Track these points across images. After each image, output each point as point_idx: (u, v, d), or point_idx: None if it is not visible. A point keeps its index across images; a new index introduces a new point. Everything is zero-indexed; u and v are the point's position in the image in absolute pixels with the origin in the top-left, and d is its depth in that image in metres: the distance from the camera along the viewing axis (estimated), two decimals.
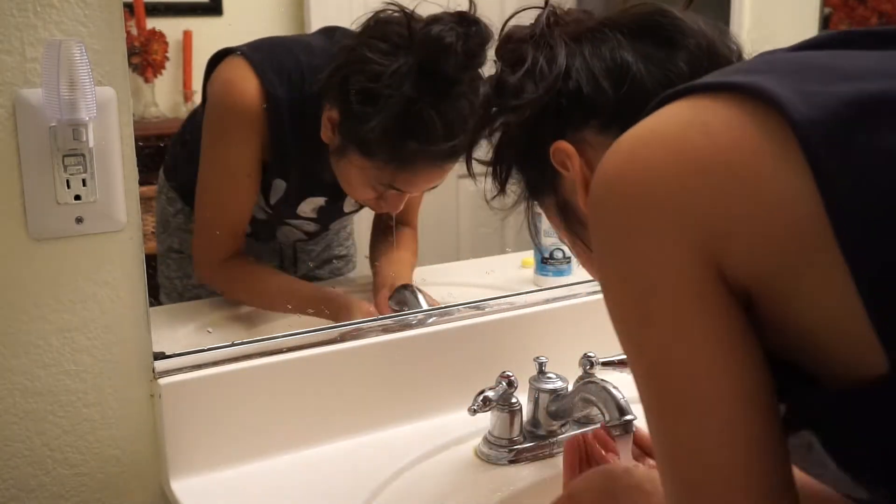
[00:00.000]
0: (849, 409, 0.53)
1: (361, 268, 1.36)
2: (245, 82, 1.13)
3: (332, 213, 1.29)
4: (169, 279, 1.24)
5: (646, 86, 0.70)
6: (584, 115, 0.72)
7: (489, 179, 0.80)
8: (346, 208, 1.29)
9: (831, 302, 0.51)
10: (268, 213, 1.24)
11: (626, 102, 0.69)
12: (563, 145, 0.72)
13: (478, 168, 0.81)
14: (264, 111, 1.14)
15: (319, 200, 1.26)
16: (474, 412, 0.98)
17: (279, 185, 1.21)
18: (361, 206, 1.27)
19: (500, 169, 0.79)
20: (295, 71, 1.16)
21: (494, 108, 0.77)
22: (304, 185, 1.23)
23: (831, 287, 0.50)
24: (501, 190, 0.80)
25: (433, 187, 1.21)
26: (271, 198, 1.22)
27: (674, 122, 0.57)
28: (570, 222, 0.77)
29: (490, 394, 0.99)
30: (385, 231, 1.32)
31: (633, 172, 0.56)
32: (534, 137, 0.75)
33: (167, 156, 1.25)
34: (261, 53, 1.14)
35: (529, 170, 0.78)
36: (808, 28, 1.56)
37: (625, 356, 1.01)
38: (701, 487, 0.55)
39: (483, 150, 0.81)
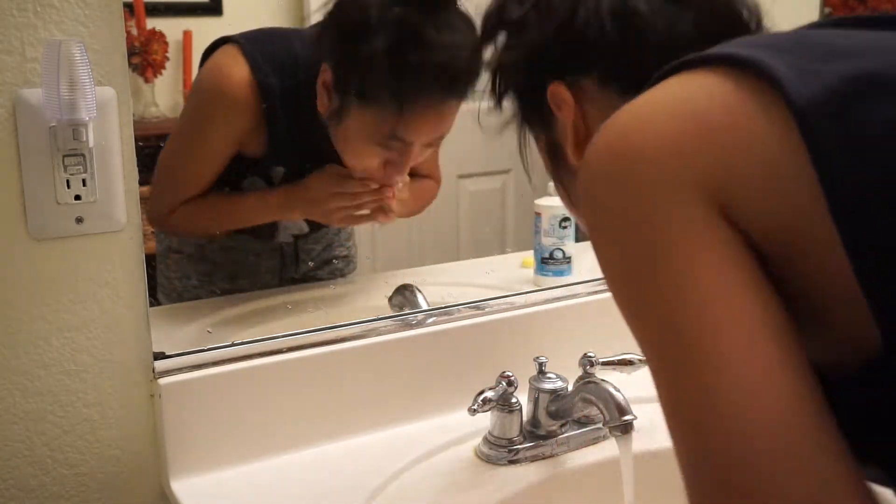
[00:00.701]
0: (846, 394, 0.51)
1: (362, 268, 1.36)
2: (233, 68, 1.13)
3: None
4: (168, 279, 1.24)
5: (649, 40, 0.69)
6: (585, 62, 0.71)
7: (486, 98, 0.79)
8: None
9: (828, 276, 0.51)
10: None
11: (627, 54, 0.69)
12: (561, 90, 0.72)
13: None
14: (255, 100, 1.13)
15: None
16: (474, 412, 0.98)
17: (278, 174, 1.21)
18: None
19: (498, 85, 0.78)
20: (288, 59, 1.15)
21: (499, 35, 0.76)
22: (302, 174, 1.23)
23: (828, 259, 0.50)
24: (498, 104, 0.79)
25: (440, 137, 1.17)
26: None
27: (674, 91, 0.57)
28: (557, 166, 0.76)
29: (490, 394, 0.99)
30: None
31: (635, 135, 0.56)
32: (533, 72, 0.74)
33: None
34: (255, 42, 1.14)
35: (526, 101, 0.77)
36: None
37: (624, 355, 1.03)
38: (722, 448, 0.50)
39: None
